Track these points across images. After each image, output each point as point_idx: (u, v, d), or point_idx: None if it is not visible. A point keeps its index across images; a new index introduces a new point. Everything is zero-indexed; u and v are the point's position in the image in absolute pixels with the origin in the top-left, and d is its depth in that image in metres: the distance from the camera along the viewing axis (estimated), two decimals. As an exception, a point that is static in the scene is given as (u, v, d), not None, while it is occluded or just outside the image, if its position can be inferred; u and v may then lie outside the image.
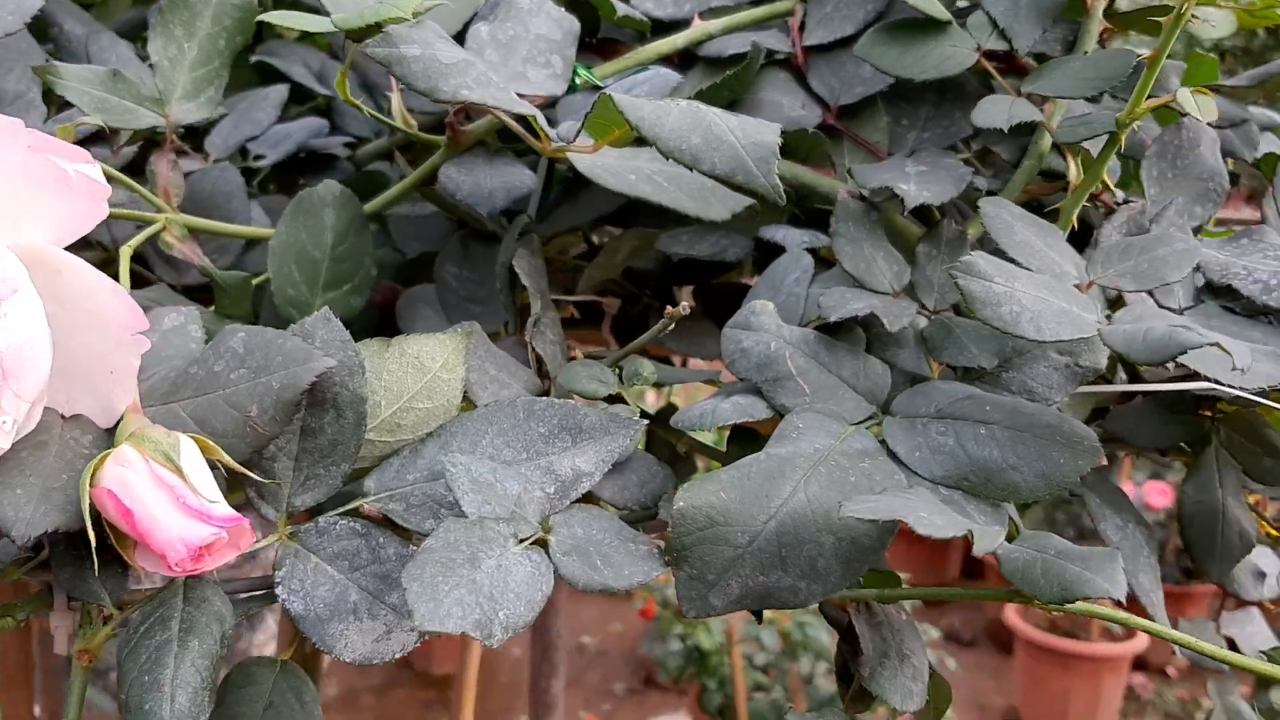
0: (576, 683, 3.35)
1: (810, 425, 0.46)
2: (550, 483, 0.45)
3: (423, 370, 0.46)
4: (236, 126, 0.69)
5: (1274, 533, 0.71)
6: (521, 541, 0.41)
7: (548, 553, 0.42)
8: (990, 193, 0.56)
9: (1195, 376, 0.54)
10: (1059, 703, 3.09)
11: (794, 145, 0.57)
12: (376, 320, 0.62)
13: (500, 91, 0.46)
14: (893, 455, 0.46)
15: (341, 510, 0.45)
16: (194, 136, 0.71)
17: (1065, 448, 0.44)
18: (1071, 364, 0.49)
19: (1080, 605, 0.44)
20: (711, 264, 0.62)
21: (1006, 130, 0.51)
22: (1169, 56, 0.75)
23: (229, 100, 0.69)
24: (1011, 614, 3.18)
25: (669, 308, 0.48)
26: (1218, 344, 0.38)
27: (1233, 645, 0.79)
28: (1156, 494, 3.04)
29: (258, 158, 0.69)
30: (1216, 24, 0.73)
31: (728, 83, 0.56)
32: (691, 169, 0.40)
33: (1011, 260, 0.46)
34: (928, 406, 0.47)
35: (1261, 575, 0.71)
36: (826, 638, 2.30)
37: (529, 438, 0.46)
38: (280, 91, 0.70)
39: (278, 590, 0.43)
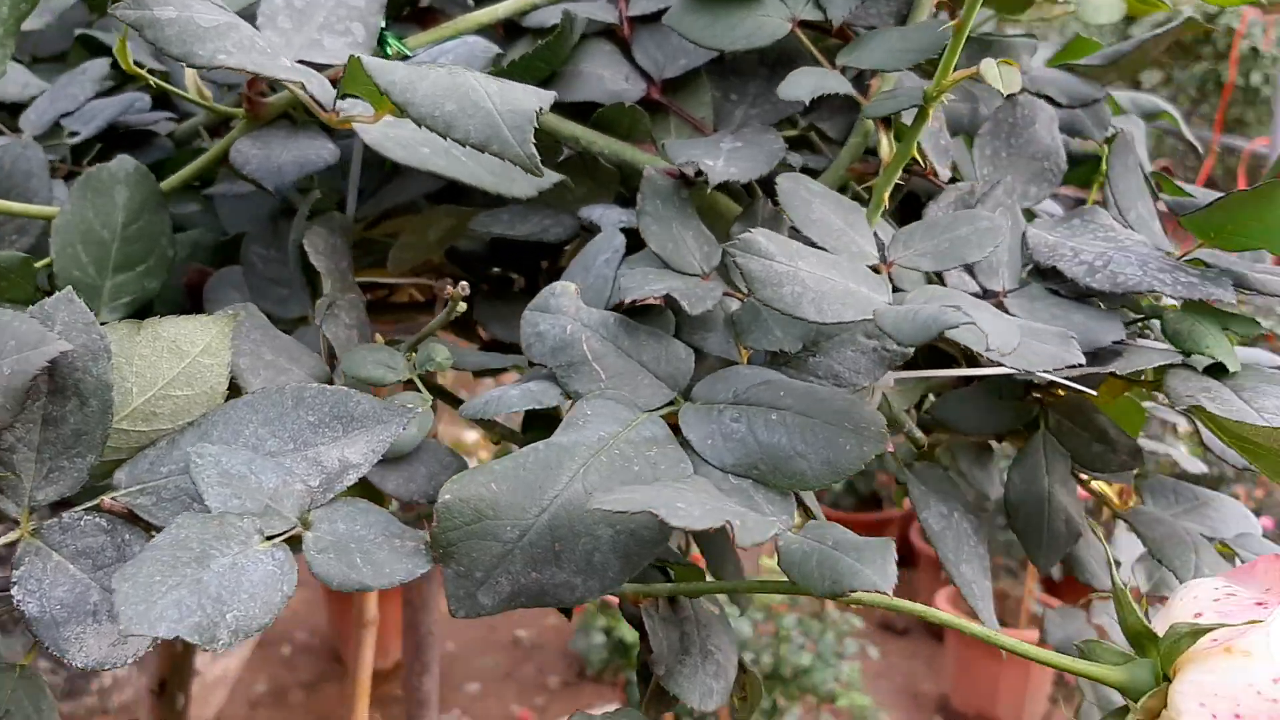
0: (511, 677, 3.32)
1: (599, 412, 0.44)
2: (315, 475, 0.42)
3: (180, 355, 0.43)
4: (52, 103, 0.65)
5: (1120, 505, 0.70)
6: (270, 538, 0.39)
7: (302, 549, 0.39)
8: (816, 172, 0.54)
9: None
10: (989, 689, 3.11)
11: (614, 120, 0.55)
12: (187, 304, 0.59)
13: (265, 57, 0.43)
14: (687, 443, 0.44)
15: (87, 505, 0.42)
16: (14, 113, 0.68)
17: (853, 434, 0.42)
18: (880, 348, 0.47)
19: (874, 596, 0.43)
20: (548, 245, 0.59)
21: (810, 103, 0.48)
22: (1030, 35, 0.74)
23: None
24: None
25: (449, 289, 0.45)
26: (974, 324, 0.36)
27: (1103, 634, 0.79)
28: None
29: (72, 134, 0.65)
30: (1100, 8, 0.71)
31: (541, 54, 0.53)
32: (445, 137, 0.38)
33: (806, 239, 0.44)
34: (726, 392, 0.45)
35: (1116, 564, 0.70)
36: (748, 627, 2.29)
37: (297, 427, 0.43)
38: (99, 66, 0.66)
39: (13, 591, 0.40)
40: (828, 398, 0.43)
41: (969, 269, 0.53)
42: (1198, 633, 0.42)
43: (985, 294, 0.53)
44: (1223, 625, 0.42)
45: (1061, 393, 0.56)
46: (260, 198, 0.62)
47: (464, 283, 0.45)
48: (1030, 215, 0.57)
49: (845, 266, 0.42)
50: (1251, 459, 0.58)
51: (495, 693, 3.24)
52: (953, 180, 0.55)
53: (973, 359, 0.58)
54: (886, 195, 0.48)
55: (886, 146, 0.48)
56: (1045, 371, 0.48)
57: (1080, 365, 0.41)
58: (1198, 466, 0.78)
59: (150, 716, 1.12)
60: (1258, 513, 3.05)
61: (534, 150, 0.38)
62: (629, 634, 2.38)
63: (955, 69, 0.45)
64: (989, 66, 0.44)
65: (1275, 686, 0.40)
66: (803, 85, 0.49)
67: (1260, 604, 0.43)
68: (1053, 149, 0.58)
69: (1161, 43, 0.69)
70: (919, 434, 0.55)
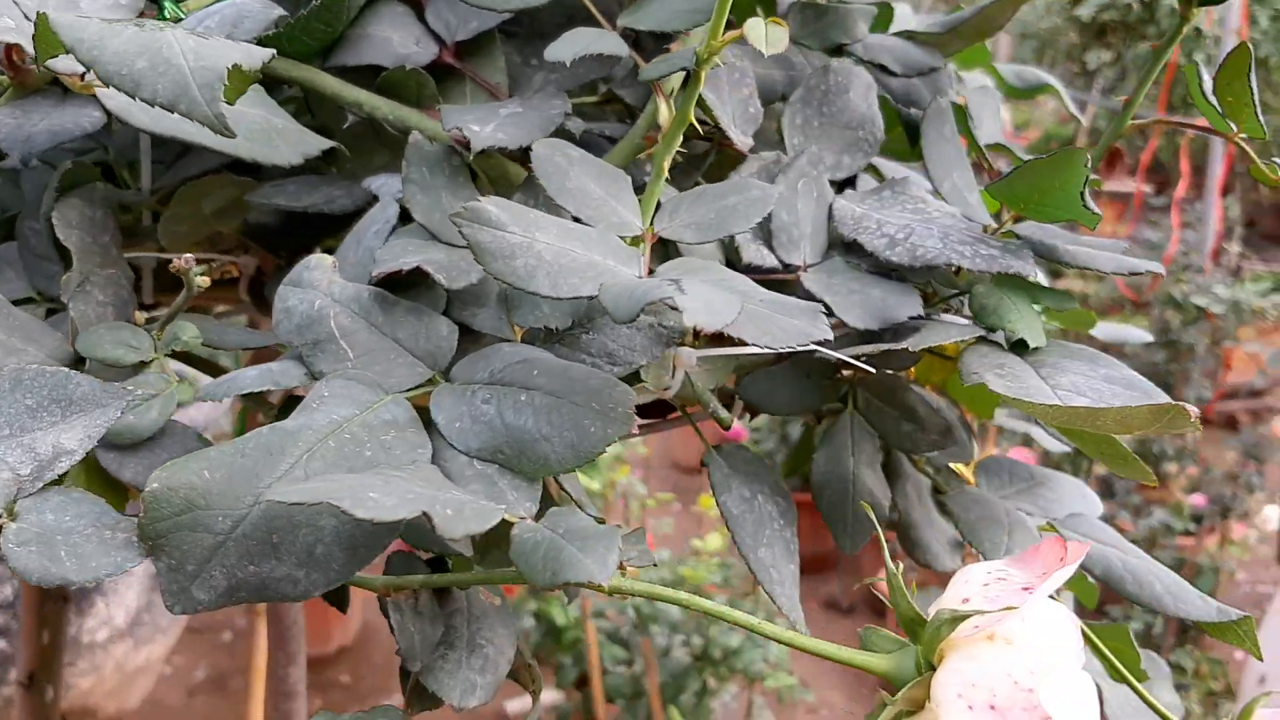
0: (454, 659, 3.30)
1: (336, 394, 0.41)
2: (28, 462, 0.39)
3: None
4: None
5: (972, 481, 0.68)
6: (-34, 531, 0.36)
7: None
8: (612, 140, 0.52)
9: (867, 338, 0.51)
10: (929, 667, 3.13)
11: (401, 85, 0.52)
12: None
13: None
14: (435, 425, 0.42)
15: None
16: None
17: (599, 416, 0.39)
18: (657, 324, 0.45)
19: (635, 585, 0.41)
20: (353, 218, 0.56)
21: (576, 62, 0.46)
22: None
23: None
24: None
25: (176, 263, 0.42)
26: (673, 297, 0.34)
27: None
28: (1018, 458, 3.07)
29: None
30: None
31: (318, 15, 0.50)
32: (134, 96, 0.35)
33: (560, 208, 0.41)
34: (484, 372, 0.43)
35: (959, 544, 0.69)
36: (677, 611, 2.27)
37: (14, 411, 0.40)
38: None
39: None
40: (581, 377, 0.40)
41: (767, 242, 0.50)
42: (956, 619, 0.40)
43: (785, 268, 0.51)
44: (979, 612, 0.40)
45: (872, 371, 0.53)
46: (47, 171, 0.59)
47: (188, 255, 0.42)
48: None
49: (594, 238, 0.40)
50: (1070, 437, 0.56)
51: (303, 686, 3.22)
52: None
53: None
54: (666, 164, 0.45)
55: (665, 113, 0.45)
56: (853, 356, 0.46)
57: (829, 341, 0.39)
58: (1059, 446, 0.77)
59: (21, 710, 1.09)
60: (1194, 490, 3.08)
61: (222, 110, 0.35)
62: (558, 617, 2.37)
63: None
64: (754, 26, 0.41)
65: (1032, 676, 0.38)
66: (569, 46, 0.47)
67: (1027, 589, 0.41)
68: (868, 118, 0.55)
69: (1007, 8, 0.67)
70: (724, 414, 0.52)
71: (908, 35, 0.66)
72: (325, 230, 0.59)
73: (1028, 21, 5.47)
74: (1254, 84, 0.56)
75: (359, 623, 3.44)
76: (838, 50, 0.63)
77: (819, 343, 0.42)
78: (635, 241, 0.43)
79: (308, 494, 0.33)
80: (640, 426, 0.60)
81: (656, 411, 0.62)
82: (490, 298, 0.46)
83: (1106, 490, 3.55)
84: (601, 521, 0.45)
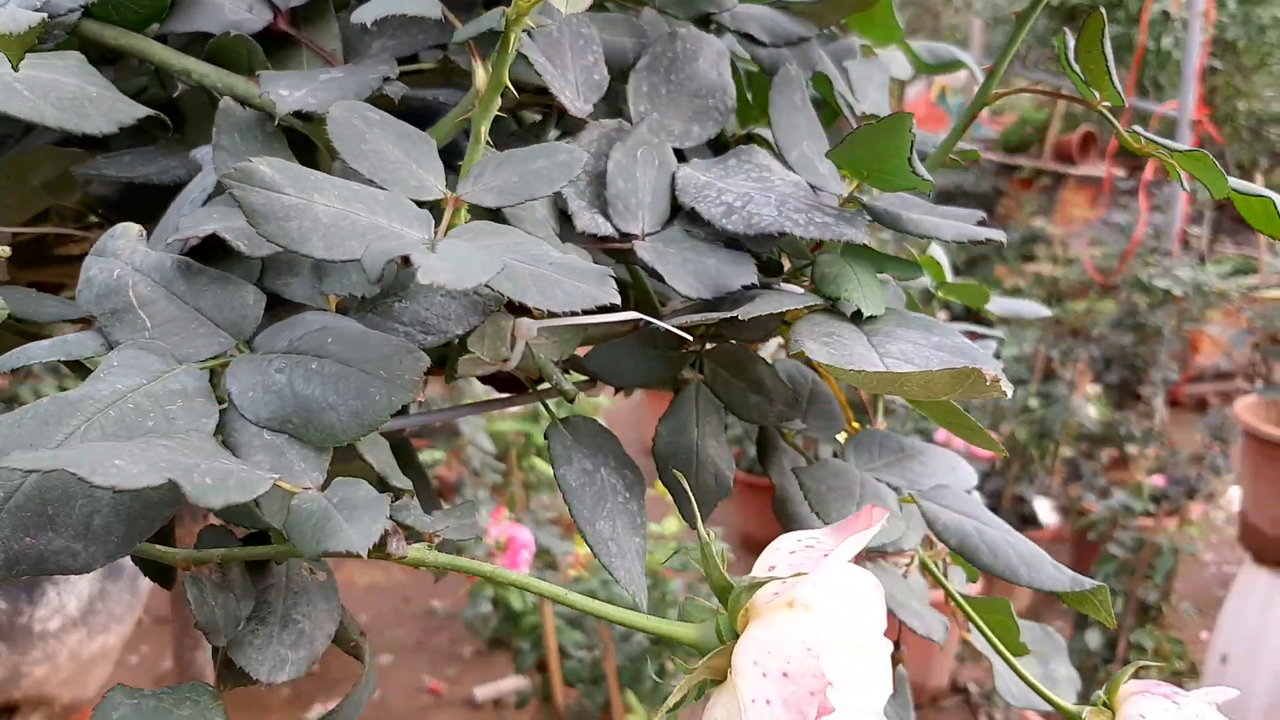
0: (423, 647, 3.30)
1: (126, 363, 0.40)
2: None
3: None
4: None
5: (855, 426, 0.68)
6: None
7: None
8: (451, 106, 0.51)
9: (708, 307, 0.50)
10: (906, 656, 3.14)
11: (230, 52, 0.51)
12: None
13: None
14: (229, 396, 0.41)
15: None
16: None
17: (385, 383, 0.38)
18: (472, 293, 0.44)
19: (418, 554, 0.40)
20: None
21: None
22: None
23: None
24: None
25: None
26: (414, 255, 0.33)
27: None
28: (983, 443, 3.07)
29: None
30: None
31: (141, -19, 0.49)
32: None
33: (354, 171, 0.40)
34: (284, 341, 0.42)
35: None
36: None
37: None
38: None
39: None
40: (373, 344, 0.40)
41: (603, 210, 0.50)
42: (754, 586, 0.39)
43: (622, 237, 0.50)
44: (774, 578, 0.39)
45: (722, 343, 0.53)
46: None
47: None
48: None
49: (382, 201, 0.39)
50: (917, 409, 0.56)
51: (407, 664, 3.22)
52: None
53: (646, 304, 0.55)
54: (484, 129, 0.44)
55: (481, 76, 0.44)
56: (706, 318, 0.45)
57: (615, 306, 0.38)
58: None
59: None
60: (1160, 471, 3.08)
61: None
62: (518, 601, 2.36)
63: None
64: (554, -14, 0.40)
65: (821, 643, 0.37)
66: (376, 8, 0.46)
67: (827, 555, 0.40)
68: (718, 85, 0.55)
69: (884, -23, 0.66)
70: (568, 387, 0.52)
71: (780, 5, 0.65)
72: (169, 202, 0.58)
73: (999, 5, 5.46)
74: (1108, 52, 0.55)
75: (328, 611, 3.43)
76: (705, 19, 0.62)
77: (668, 316, 0.42)
78: (437, 206, 0.42)
79: (46, 461, 0.32)
80: (497, 400, 0.59)
81: (517, 386, 0.61)
82: (304, 267, 0.45)
83: (1074, 474, 3.56)
84: (444, 498, 0.45)
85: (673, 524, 2.35)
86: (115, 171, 0.52)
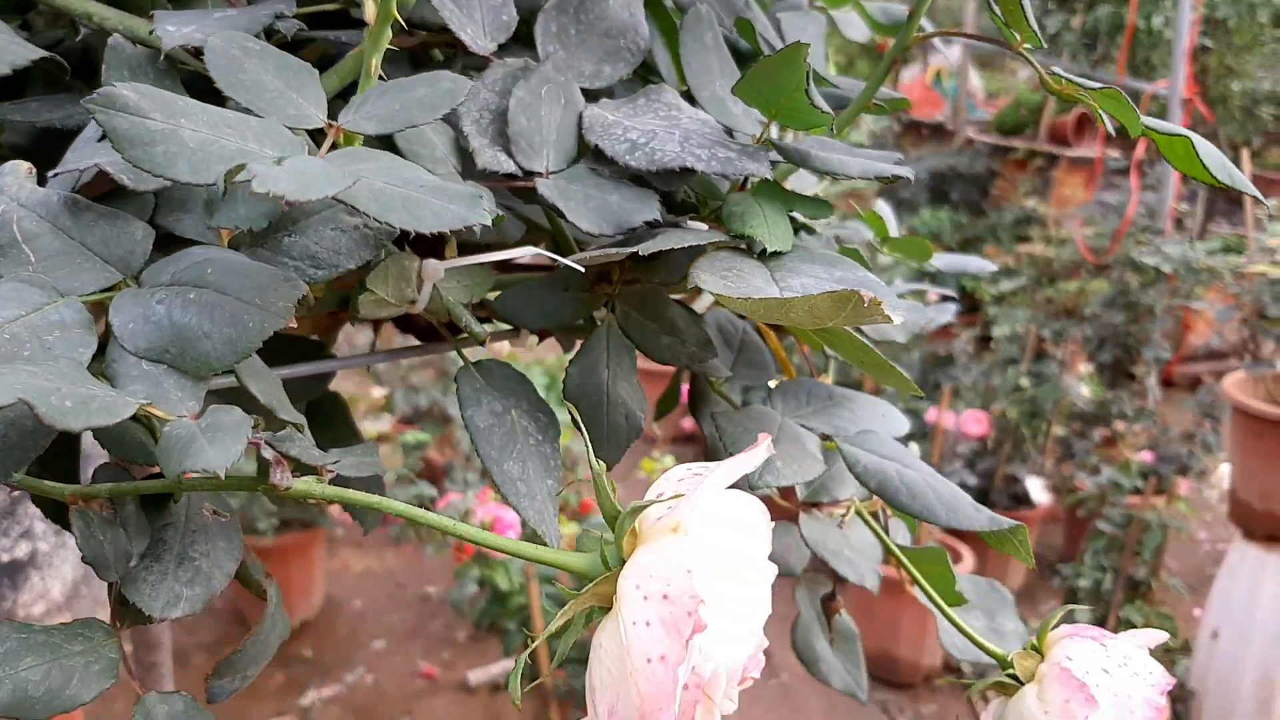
0: (417, 633, 3.30)
1: (6, 295, 0.40)
2: None
3: None
4: None
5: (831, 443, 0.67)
6: None
7: None
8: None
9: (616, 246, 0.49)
10: (889, 629, 3.14)
11: (133, -5, 0.51)
12: None
13: None
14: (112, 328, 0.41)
15: None
16: None
17: (258, 310, 0.38)
18: (362, 226, 0.44)
19: (305, 488, 0.40)
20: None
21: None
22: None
23: None
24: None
25: None
26: (251, 167, 0.32)
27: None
28: (972, 423, 3.07)
29: None
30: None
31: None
32: None
33: (228, 100, 0.40)
34: (168, 274, 0.42)
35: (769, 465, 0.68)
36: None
37: None
38: None
39: None
40: (250, 273, 0.39)
41: (505, 148, 0.49)
42: (635, 510, 0.39)
43: (526, 174, 0.50)
44: (654, 501, 0.39)
45: (633, 285, 0.52)
46: None
47: None
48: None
49: (254, 128, 0.39)
50: (833, 349, 0.55)
51: (401, 649, 3.23)
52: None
53: (560, 244, 0.55)
54: (376, 63, 0.44)
55: (370, 10, 0.44)
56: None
57: (480, 224, 0.37)
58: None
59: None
60: (1152, 448, 3.07)
61: None
62: (504, 582, 2.36)
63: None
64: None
65: (703, 564, 0.37)
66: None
67: (712, 482, 0.40)
68: (629, 25, 0.54)
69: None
70: (478, 328, 0.51)
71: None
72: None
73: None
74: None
75: (322, 597, 3.45)
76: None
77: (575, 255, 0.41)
78: (322, 135, 0.41)
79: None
80: (413, 349, 0.59)
81: (439, 336, 0.61)
82: (195, 203, 0.45)
83: (1067, 453, 3.56)
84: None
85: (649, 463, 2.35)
86: (22, 117, 0.51)
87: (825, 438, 0.59)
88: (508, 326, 0.58)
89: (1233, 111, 4.69)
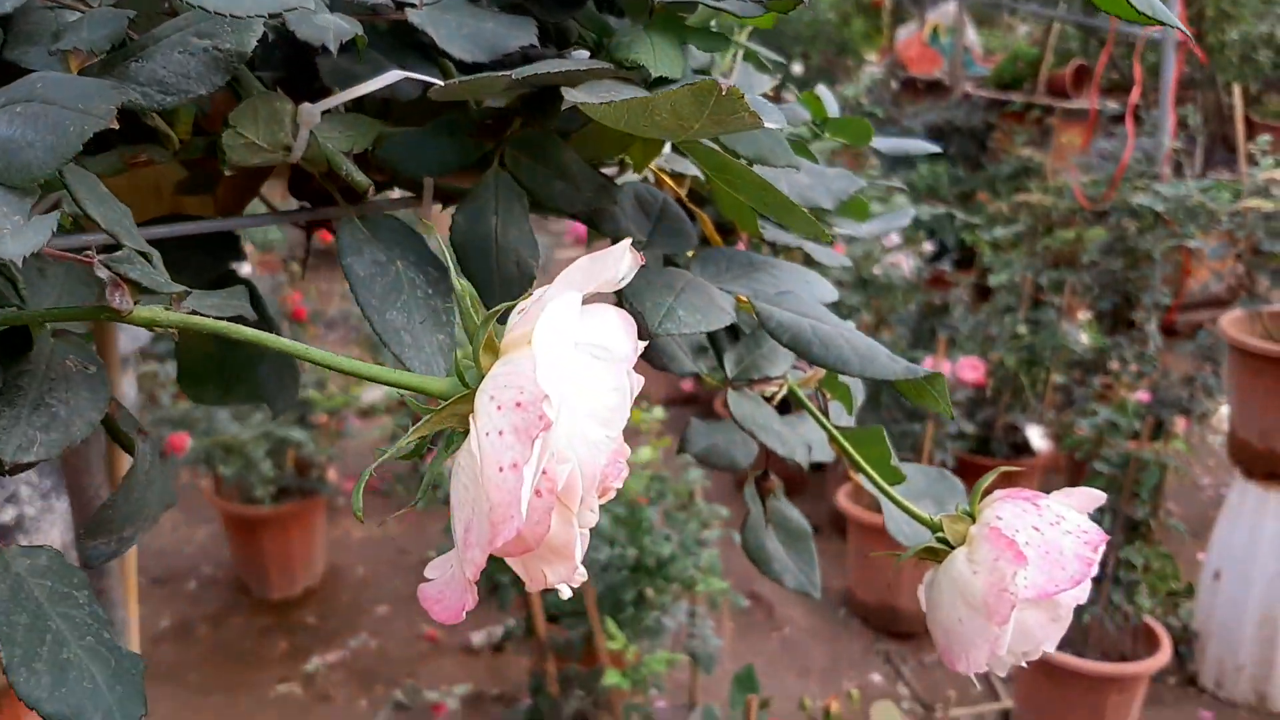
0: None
1: None
2: None
3: None
4: None
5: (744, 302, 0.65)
6: None
7: None
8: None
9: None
10: (888, 580, 3.13)
11: None
12: None
13: None
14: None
15: None
16: None
17: (79, 115, 0.36)
18: (212, 48, 0.42)
19: (175, 317, 0.38)
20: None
21: None
22: None
23: None
24: (843, 499, 3.19)
25: None
26: None
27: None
28: (968, 369, 3.05)
29: None
30: None
31: None
32: None
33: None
34: (4, 98, 0.40)
35: (703, 349, 0.66)
36: (606, 522, 2.26)
37: None
38: None
39: None
40: (78, 85, 0.38)
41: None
42: (489, 319, 0.37)
43: (398, 6, 0.48)
44: (503, 309, 0.37)
45: (521, 130, 0.50)
46: None
47: None
48: None
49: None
50: (736, 191, 0.53)
51: (404, 613, 3.23)
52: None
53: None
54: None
55: None
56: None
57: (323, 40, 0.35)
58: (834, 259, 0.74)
59: None
60: (1152, 392, 3.04)
61: None
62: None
63: None
64: None
65: (554, 368, 0.35)
66: None
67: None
68: None
69: None
70: (360, 177, 0.49)
71: None
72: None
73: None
74: None
75: (324, 566, 3.45)
76: None
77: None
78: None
79: None
80: (294, 213, 0.56)
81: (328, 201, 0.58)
82: (42, 35, 0.43)
83: (1067, 401, 3.53)
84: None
85: (646, 453, 2.34)
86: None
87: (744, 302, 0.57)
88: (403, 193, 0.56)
89: (1230, 57, 4.62)
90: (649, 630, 2.17)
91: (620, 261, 0.37)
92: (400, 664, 3.02)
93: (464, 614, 0.37)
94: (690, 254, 0.61)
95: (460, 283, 0.39)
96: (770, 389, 0.66)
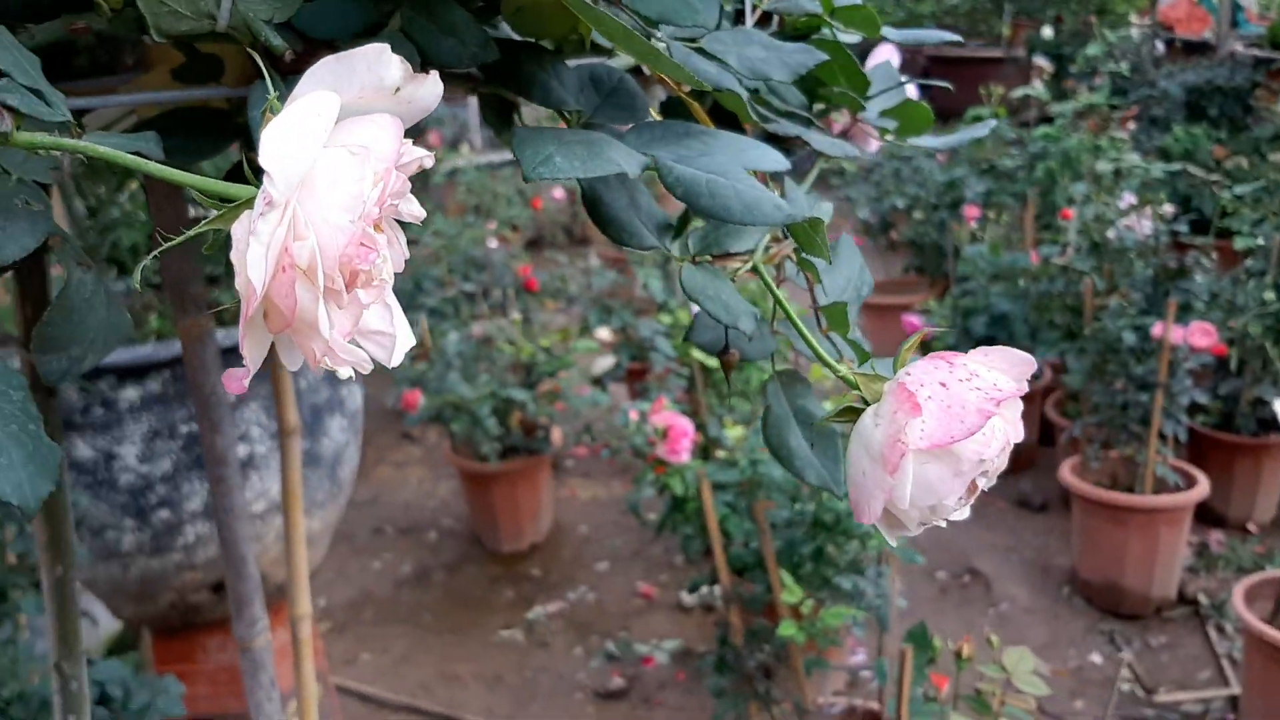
0: (639, 555, 3.41)
1: None
2: None
3: None
4: None
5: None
6: None
7: None
8: None
9: None
10: (1115, 558, 2.95)
11: None
12: None
13: None
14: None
15: None
16: None
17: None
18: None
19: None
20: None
21: None
22: None
23: None
24: (1067, 473, 3.03)
25: None
26: None
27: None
28: (1200, 335, 2.82)
29: None
30: None
31: None
32: None
33: None
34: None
35: (668, 226, 0.68)
36: (782, 476, 2.26)
37: None
38: None
39: None
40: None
41: None
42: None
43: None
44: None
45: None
46: None
47: None
48: None
49: None
50: (611, 39, 0.55)
51: (623, 570, 3.35)
52: None
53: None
54: None
55: None
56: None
57: None
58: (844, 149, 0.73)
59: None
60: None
61: None
62: (679, 487, 2.41)
63: None
64: None
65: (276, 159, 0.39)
66: None
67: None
68: None
69: None
70: (276, 41, 0.54)
71: None
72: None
73: None
74: None
75: (550, 522, 3.62)
76: None
77: None
78: None
79: None
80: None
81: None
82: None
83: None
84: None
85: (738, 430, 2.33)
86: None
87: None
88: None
89: None
90: (833, 589, 2.16)
91: (380, 65, 0.40)
92: (615, 618, 3.13)
93: (244, 384, 0.41)
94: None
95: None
96: (734, 264, 0.67)
